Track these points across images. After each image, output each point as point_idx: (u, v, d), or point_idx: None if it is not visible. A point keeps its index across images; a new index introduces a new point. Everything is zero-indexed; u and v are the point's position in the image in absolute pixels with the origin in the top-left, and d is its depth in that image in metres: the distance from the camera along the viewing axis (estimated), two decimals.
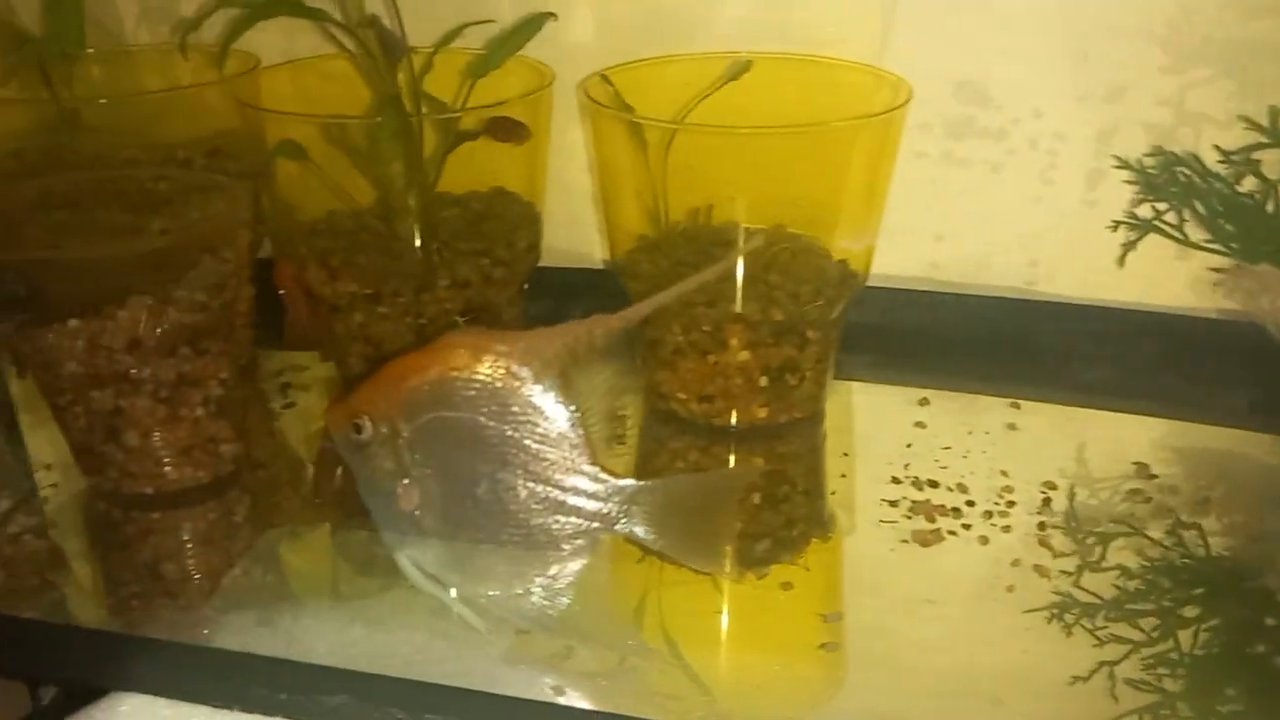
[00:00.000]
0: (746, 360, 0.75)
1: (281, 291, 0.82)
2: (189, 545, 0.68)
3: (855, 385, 0.85)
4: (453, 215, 0.81)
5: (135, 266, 0.64)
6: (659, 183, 0.77)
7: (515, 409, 0.58)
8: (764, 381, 0.76)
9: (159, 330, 0.64)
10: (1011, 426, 0.79)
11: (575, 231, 0.96)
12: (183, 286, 0.65)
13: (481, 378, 0.58)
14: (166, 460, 0.69)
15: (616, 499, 0.58)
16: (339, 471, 0.80)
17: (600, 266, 0.97)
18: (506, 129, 0.75)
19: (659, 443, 0.79)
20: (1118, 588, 0.62)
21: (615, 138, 0.76)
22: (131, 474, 0.69)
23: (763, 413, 0.78)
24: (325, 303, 0.79)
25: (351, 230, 0.79)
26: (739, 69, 0.75)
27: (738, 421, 0.77)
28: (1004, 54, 0.84)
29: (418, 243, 0.76)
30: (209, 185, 0.79)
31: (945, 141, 0.87)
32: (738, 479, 0.67)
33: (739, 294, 0.74)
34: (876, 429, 0.81)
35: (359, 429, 0.59)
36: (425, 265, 0.76)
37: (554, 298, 0.89)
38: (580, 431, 0.58)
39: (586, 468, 0.58)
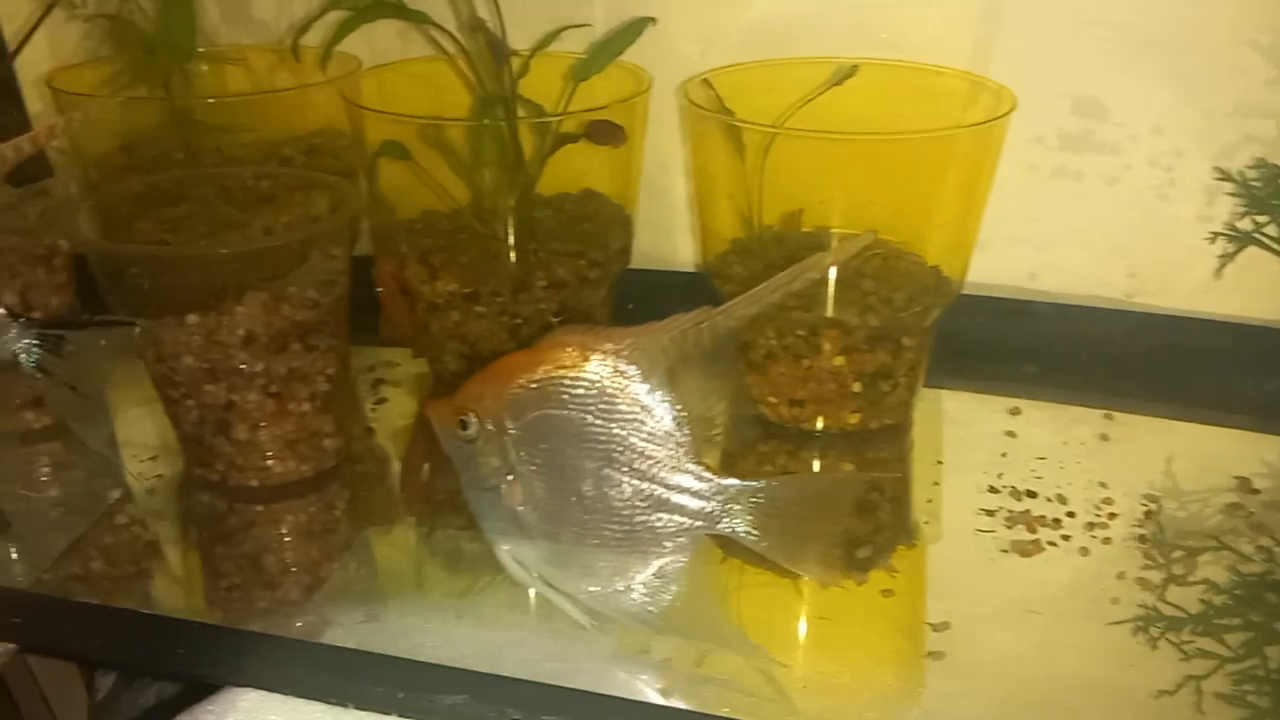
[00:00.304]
0: (840, 365, 0.75)
1: (379, 289, 0.83)
2: (294, 538, 0.70)
3: (943, 393, 0.85)
4: (547, 216, 0.82)
5: (252, 263, 0.65)
6: (754, 186, 0.77)
7: (622, 406, 0.58)
8: (857, 387, 0.76)
9: (274, 327, 0.66)
10: (1104, 437, 0.78)
11: (659, 234, 0.97)
12: (294, 283, 0.67)
13: (589, 375, 0.58)
14: (272, 454, 0.71)
15: (720, 498, 0.58)
16: (426, 468, 0.82)
17: (682, 269, 0.97)
18: (605, 132, 0.76)
19: (746, 445, 0.79)
20: (1217, 604, 0.62)
21: (713, 141, 0.77)
22: (239, 467, 0.71)
23: (854, 419, 0.78)
24: (422, 300, 0.80)
25: (450, 230, 0.81)
26: (844, 74, 0.75)
27: (827, 426, 0.78)
28: (1122, 69, 0.83)
29: (516, 244, 0.77)
30: (311, 183, 0.81)
31: (1059, 155, 0.86)
32: (848, 486, 0.65)
33: (831, 299, 0.75)
34: (967, 437, 0.80)
35: (465, 425, 0.60)
36: (523, 266, 0.77)
37: (640, 300, 0.89)
38: (685, 430, 0.58)
39: (691, 466, 0.58)
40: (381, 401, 0.86)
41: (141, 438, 0.80)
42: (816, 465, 0.77)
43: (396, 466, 0.79)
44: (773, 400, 0.78)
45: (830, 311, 0.74)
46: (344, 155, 0.88)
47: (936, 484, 0.74)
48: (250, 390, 0.68)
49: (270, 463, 0.71)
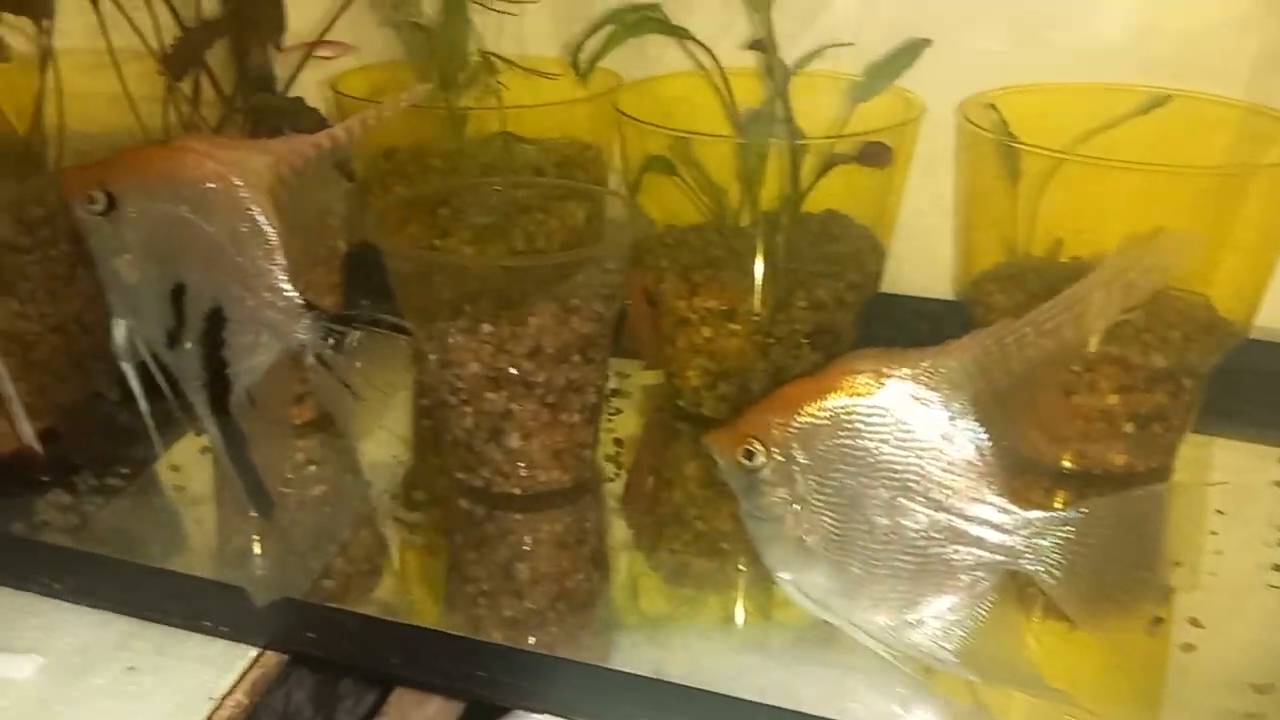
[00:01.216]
0: (1114, 404, 0.73)
1: (627, 301, 0.84)
2: (568, 552, 0.70)
3: (1206, 438, 0.81)
4: (800, 236, 0.82)
5: (550, 276, 0.66)
6: (1027, 214, 0.75)
7: (920, 434, 0.56)
8: (1129, 428, 0.73)
9: (561, 339, 0.66)
10: None
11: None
12: (577, 295, 0.67)
13: (885, 403, 0.56)
14: (540, 463, 0.71)
15: (1025, 532, 0.55)
16: (650, 481, 0.82)
17: (914, 293, 0.95)
18: (876, 154, 0.75)
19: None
20: None
21: (987, 164, 0.75)
22: (504, 474, 0.72)
23: (1120, 459, 0.75)
24: (673, 315, 0.80)
25: (705, 245, 0.80)
26: (1153, 103, 0.72)
27: (1087, 466, 0.75)
28: None
29: (781, 263, 0.76)
30: (570, 193, 0.82)
31: None
32: (1166, 499, 0.58)
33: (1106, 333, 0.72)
34: (1237, 487, 0.76)
35: (750, 455, 0.59)
36: (786, 286, 0.76)
37: (883, 323, 0.88)
38: (988, 459, 0.56)
39: (993, 498, 0.56)
40: (616, 413, 0.87)
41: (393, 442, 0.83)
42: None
43: (645, 480, 0.80)
44: (1031, 434, 0.76)
45: (1107, 347, 0.71)
46: (592, 167, 0.89)
47: (1215, 533, 0.71)
48: (529, 400, 0.68)
49: (536, 472, 0.72)
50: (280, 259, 0.54)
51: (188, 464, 0.81)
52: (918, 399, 0.56)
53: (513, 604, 0.66)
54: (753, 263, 0.78)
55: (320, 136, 0.53)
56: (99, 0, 0.70)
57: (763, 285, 0.77)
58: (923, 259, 0.92)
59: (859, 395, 0.57)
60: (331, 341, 0.57)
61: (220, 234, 0.54)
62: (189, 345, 0.58)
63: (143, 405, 0.65)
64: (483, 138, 0.79)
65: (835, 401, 0.58)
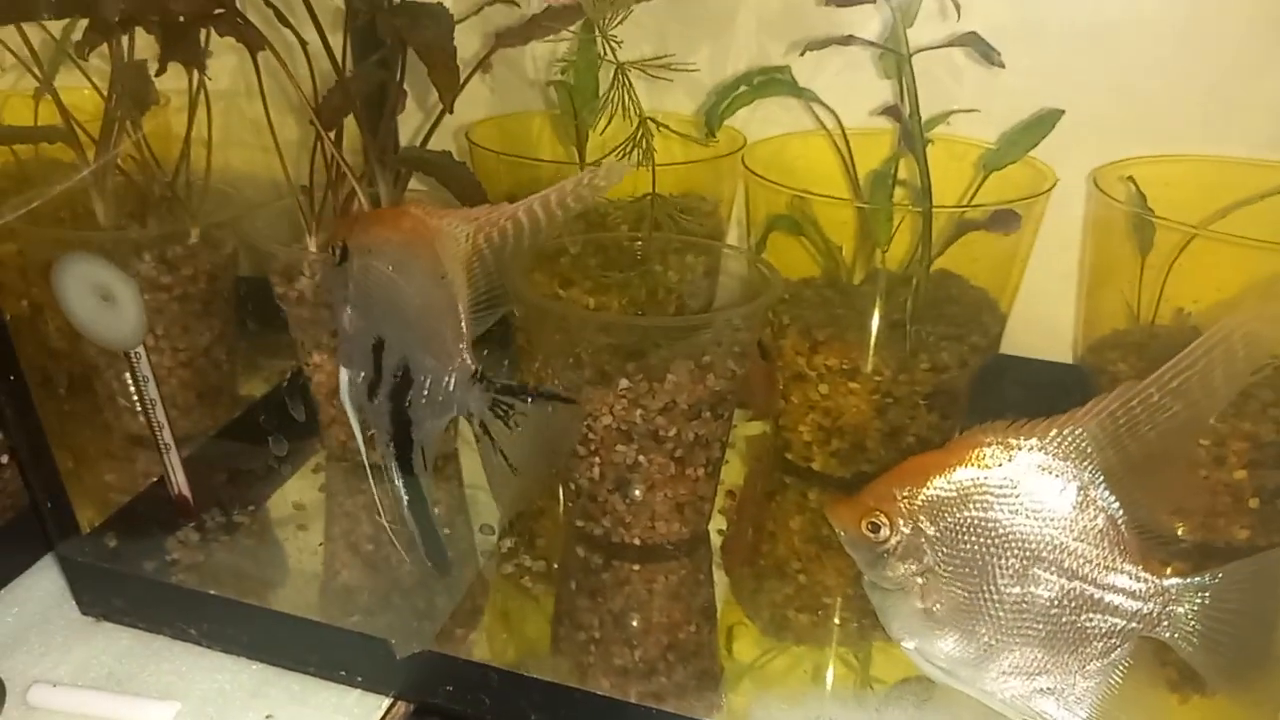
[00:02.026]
0: (1241, 479, 0.72)
1: None
2: (698, 605, 0.71)
3: None
4: (920, 297, 0.82)
5: (684, 334, 0.67)
6: (1152, 283, 0.75)
7: (1050, 504, 0.56)
8: (1254, 503, 0.73)
9: (695, 395, 0.67)
10: None
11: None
12: (712, 353, 0.68)
13: (1014, 474, 0.57)
14: (662, 514, 0.72)
15: (1159, 600, 0.55)
16: (750, 533, 0.83)
17: (1026, 354, 0.95)
18: (1005, 221, 0.75)
19: None
20: None
21: (1117, 234, 0.75)
22: (626, 524, 0.73)
23: (1244, 534, 0.74)
24: (789, 370, 0.81)
25: (829, 303, 0.81)
26: None
27: (1212, 539, 0.74)
28: None
29: (907, 325, 0.77)
30: (689, 246, 0.83)
31: None
32: None
33: (1231, 409, 0.71)
34: None
35: (875, 528, 0.59)
36: (910, 347, 0.77)
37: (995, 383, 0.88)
38: (1122, 527, 0.56)
39: (1127, 565, 0.56)
40: (724, 463, 0.87)
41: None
42: None
43: (759, 533, 0.80)
44: (1157, 505, 0.75)
45: (1236, 423, 0.71)
46: (709, 221, 0.90)
47: None
48: (658, 453, 0.69)
49: (658, 523, 0.73)
50: (462, 326, 0.56)
51: (313, 506, 0.82)
52: (1046, 469, 0.56)
53: (652, 662, 0.67)
54: (875, 322, 0.79)
55: (520, 213, 0.54)
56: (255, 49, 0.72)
57: (884, 346, 0.78)
58: (1035, 320, 0.92)
59: (988, 467, 0.57)
60: (499, 412, 0.58)
61: (415, 294, 0.56)
62: (380, 400, 0.60)
63: (361, 449, 0.66)
64: (632, 197, 0.81)
65: (964, 474, 0.58)
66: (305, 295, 0.77)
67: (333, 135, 0.76)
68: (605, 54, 0.67)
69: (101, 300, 0.63)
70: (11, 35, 0.81)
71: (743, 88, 0.81)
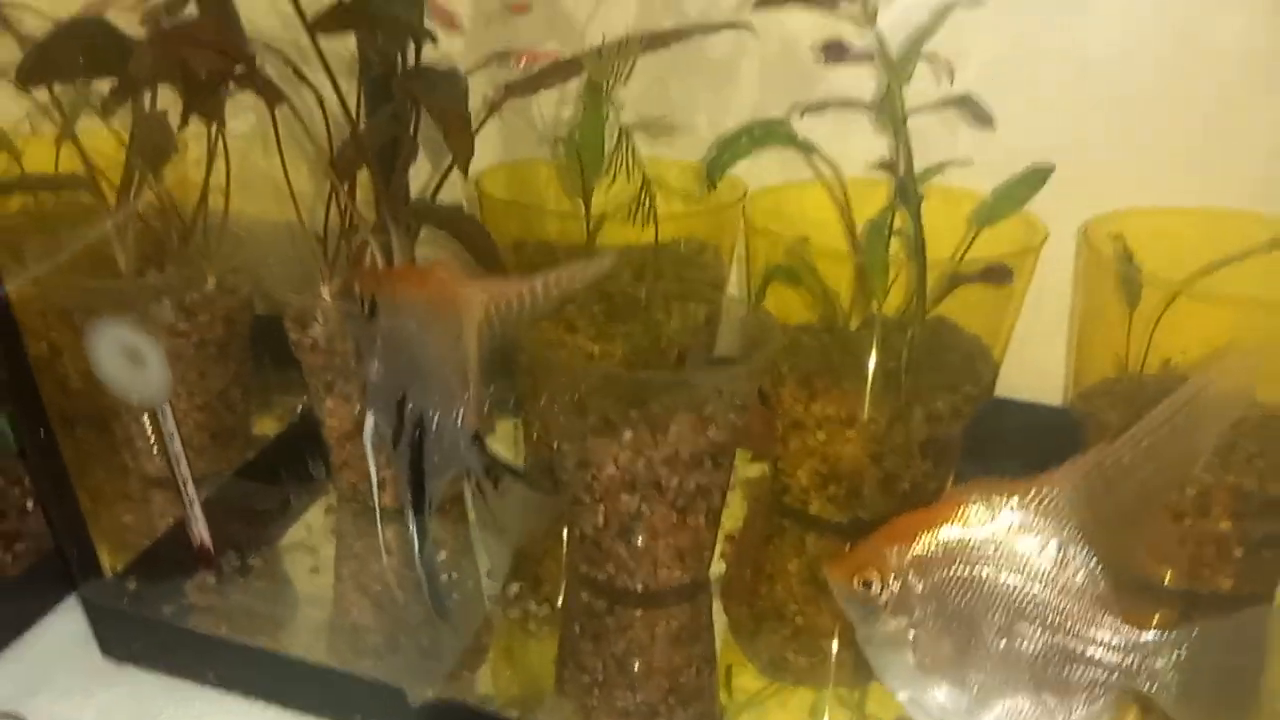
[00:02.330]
0: (1226, 530, 0.74)
1: None
2: (699, 649, 0.73)
3: None
4: (914, 345, 0.84)
5: (681, 386, 0.69)
6: (1141, 334, 0.77)
7: (1034, 561, 0.58)
8: (1239, 553, 0.75)
9: (698, 446, 0.69)
10: None
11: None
12: (714, 404, 0.71)
13: (999, 532, 0.59)
14: (664, 561, 0.74)
15: (1139, 652, 0.57)
16: (749, 575, 0.85)
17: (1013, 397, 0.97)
18: (997, 274, 0.78)
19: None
20: None
21: (1106, 286, 0.78)
22: (629, 571, 0.75)
23: (1227, 584, 0.76)
24: (788, 417, 0.83)
25: (826, 350, 0.84)
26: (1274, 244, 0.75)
27: (1197, 588, 0.76)
28: None
29: (903, 375, 0.79)
30: (691, 293, 0.85)
31: None
32: (1271, 620, 0.59)
33: (1217, 460, 0.74)
34: None
35: (868, 585, 0.61)
36: (907, 397, 0.79)
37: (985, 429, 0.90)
38: (1102, 582, 0.58)
39: (1108, 619, 0.58)
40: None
41: None
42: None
43: (757, 575, 0.83)
44: (1141, 556, 0.77)
45: (1221, 474, 0.73)
46: (710, 267, 0.92)
47: None
48: (660, 502, 0.71)
49: (660, 570, 0.75)
50: (468, 386, 0.59)
51: (326, 549, 0.85)
52: (1028, 528, 0.58)
53: (654, 705, 0.69)
54: (871, 372, 0.81)
55: (524, 288, 0.58)
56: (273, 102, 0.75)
57: (881, 395, 0.80)
58: (1028, 362, 0.94)
59: (973, 525, 0.60)
60: (491, 477, 0.61)
61: (434, 354, 0.59)
62: (401, 448, 0.63)
63: (374, 493, 0.71)
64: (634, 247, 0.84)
65: (950, 532, 0.60)
66: (319, 343, 0.79)
67: (346, 186, 0.79)
68: (609, 115, 0.70)
69: (129, 361, 0.66)
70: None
71: (743, 139, 0.84)
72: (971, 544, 0.59)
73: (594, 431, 0.70)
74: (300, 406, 0.96)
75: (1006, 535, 0.59)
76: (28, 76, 0.62)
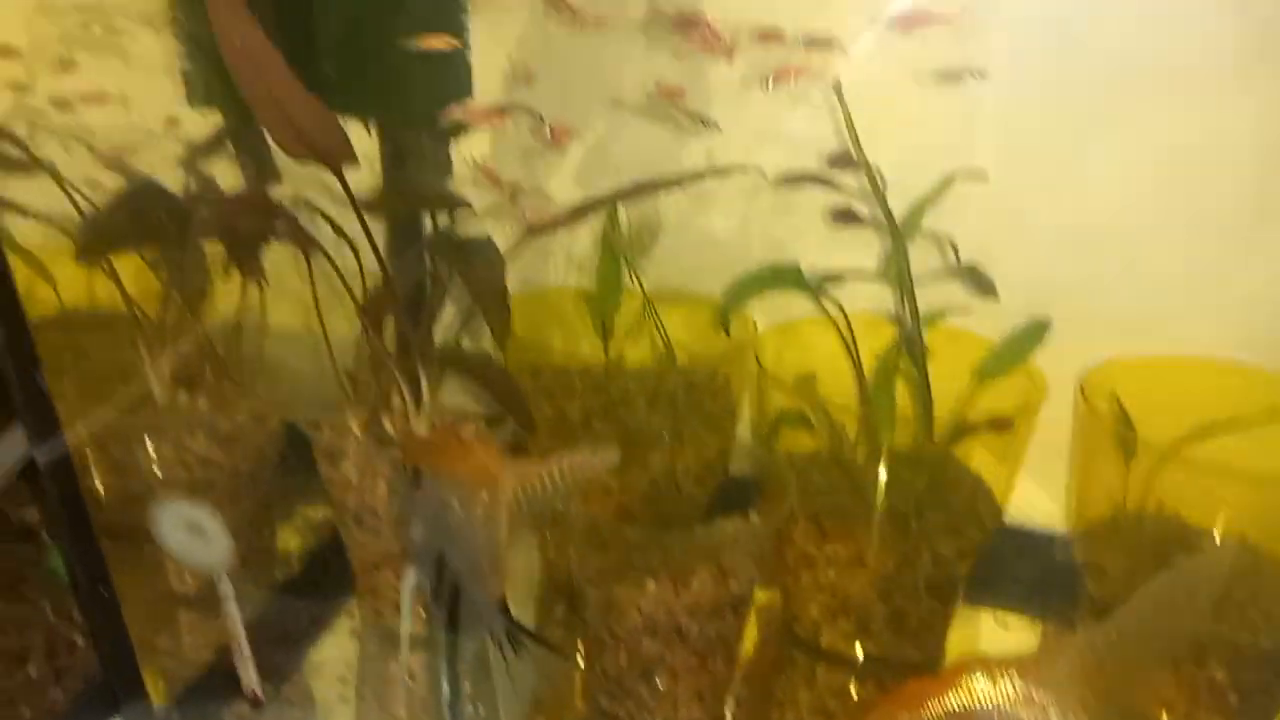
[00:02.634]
0: (1221, 679, 0.77)
1: None
2: None
3: None
4: (922, 483, 0.88)
5: (711, 543, 0.73)
6: (1142, 479, 0.81)
7: None
8: (1234, 699, 0.78)
9: (719, 597, 0.72)
10: None
11: None
12: (734, 557, 0.74)
13: (1001, 703, 0.63)
14: (684, 701, 0.77)
15: None
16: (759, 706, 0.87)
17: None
18: (998, 425, 0.82)
19: None
20: None
21: (1103, 435, 0.81)
22: (649, 709, 0.77)
23: None
24: (797, 550, 0.86)
25: (835, 487, 0.87)
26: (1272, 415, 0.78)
27: None
28: None
29: (915, 518, 0.82)
30: (706, 427, 0.89)
31: None
32: None
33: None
34: None
35: None
36: (913, 540, 0.82)
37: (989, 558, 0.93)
38: None
39: None
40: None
41: None
42: None
43: (768, 704, 0.85)
44: (1137, 707, 0.81)
45: (1215, 625, 0.76)
46: (721, 395, 0.96)
47: None
48: (681, 648, 0.74)
49: (679, 710, 0.77)
50: (499, 560, 0.62)
51: (352, 675, 0.87)
52: (1029, 700, 0.62)
53: None
54: (880, 512, 0.84)
55: (544, 474, 0.62)
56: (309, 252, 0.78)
57: (889, 536, 0.83)
58: (1031, 490, 0.97)
59: (977, 695, 0.63)
60: (510, 639, 0.66)
61: (470, 525, 0.63)
62: (438, 605, 0.67)
63: (404, 642, 0.75)
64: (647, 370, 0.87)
65: (955, 700, 0.63)
66: (350, 479, 0.82)
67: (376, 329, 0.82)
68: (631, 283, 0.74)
69: (191, 533, 0.69)
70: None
71: (754, 284, 0.88)
72: (975, 714, 0.63)
73: (617, 579, 0.73)
74: (324, 525, 0.99)
75: (1008, 706, 0.63)
76: (87, 253, 0.65)
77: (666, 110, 0.88)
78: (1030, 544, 0.98)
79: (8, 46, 0.90)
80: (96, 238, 0.66)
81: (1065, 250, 0.91)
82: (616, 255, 0.86)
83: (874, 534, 0.83)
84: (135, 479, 0.85)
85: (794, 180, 0.82)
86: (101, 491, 0.90)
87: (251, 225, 0.71)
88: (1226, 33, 0.81)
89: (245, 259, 0.74)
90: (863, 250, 0.90)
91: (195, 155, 0.83)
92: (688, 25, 0.72)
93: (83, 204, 0.84)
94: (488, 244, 0.71)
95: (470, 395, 0.86)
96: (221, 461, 0.86)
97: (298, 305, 0.91)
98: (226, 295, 0.90)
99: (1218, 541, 0.81)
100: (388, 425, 0.83)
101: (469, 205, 0.73)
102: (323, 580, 0.91)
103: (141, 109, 0.94)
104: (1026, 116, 0.87)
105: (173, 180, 0.87)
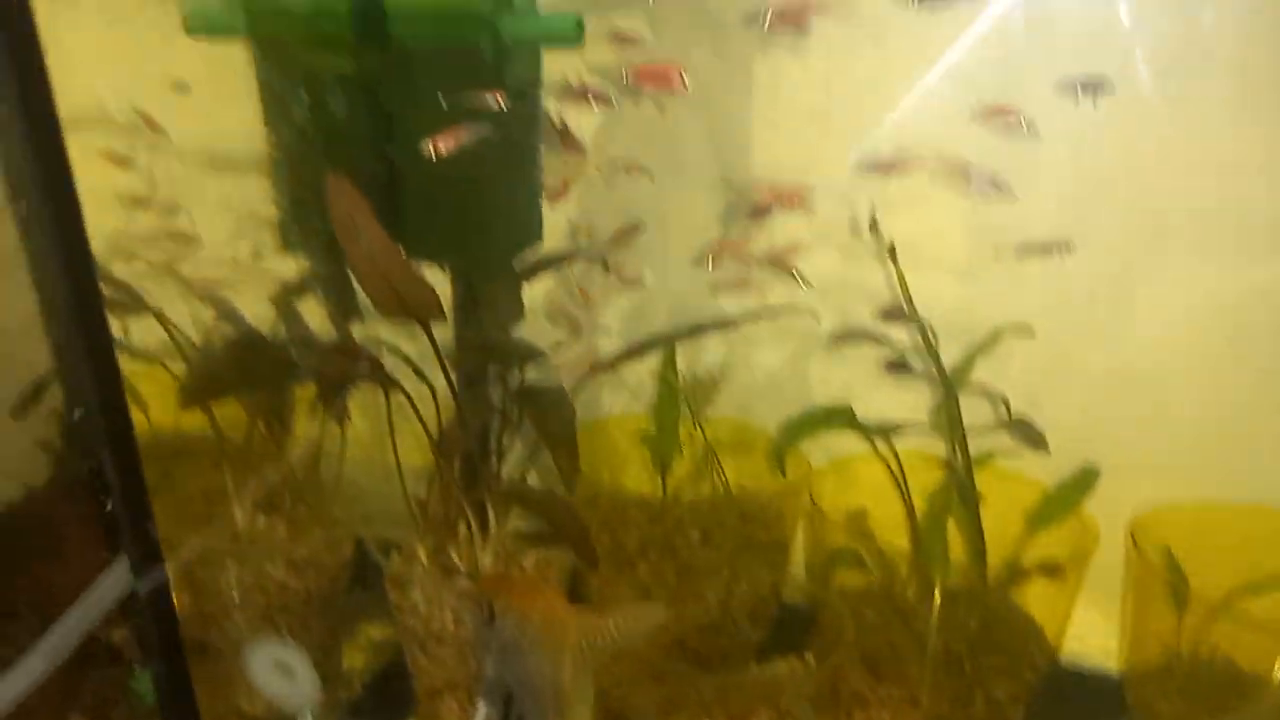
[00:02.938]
0: None
1: None
2: None
3: None
4: (975, 623, 0.89)
5: (764, 681, 0.75)
6: (1195, 625, 0.82)
7: None
8: None
9: None
10: None
11: None
12: (790, 697, 0.76)
13: None
14: None
15: None
16: None
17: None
18: (1051, 571, 0.83)
19: None
20: None
21: (1155, 582, 0.83)
22: None
23: None
24: (849, 689, 0.88)
25: (890, 628, 0.88)
26: None
27: None
28: None
29: (966, 659, 0.84)
30: (756, 556, 0.91)
31: None
32: None
33: None
34: None
35: None
36: (966, 681, 0.83)
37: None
38: None
39: None
40: None
41: None
42: None
43: None
44: None
45: None
46: (774, 526, 0.99)
47: None
48: None
49: None
50: (564, 702, 0.65)
51: None
52: None
53: None
54: (933, 652, 0.86)
55: (607, 627, 0.66)
56: (388, 390, 0.83)
57: (943, 677, 0.84)
58: (1084, 628, 0.98)
59: None
60: None
61: (535, 665, 0.66)
62: None
63: None
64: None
65: None
66: (418, 607, 0.85)
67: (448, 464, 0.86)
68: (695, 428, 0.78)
69: (282, 674, 0.73)
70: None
71: (807, 424, 0.91)
72: None
73: (673, 717, 0.76)
74: (382, 636, 1.01)
75: None
76: (192, 400, 0.70)
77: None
78: (1081, 684, 0.99)
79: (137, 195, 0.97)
80: (202, 387, 0.71)
81: (1113, 394, 0.95)
82: (675, 396, 0.90)
83: (927, 674, 0.84)
84: (213, 601, 0.89)
85: (847, 337, 0.86)
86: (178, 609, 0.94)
87: (341, 370, 0.76)
88: (1259, 195, 0.85)
89: (332, 400, 0.79)
90: (913, 391, 0.93)
91: (286, 293, 0.89)
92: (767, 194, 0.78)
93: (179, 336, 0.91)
94: (559, 392, 0.76)
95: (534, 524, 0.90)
96: (296, 587, 0.90)
97: (373, 432, 0.96)
98: (308, 425, 0.96)
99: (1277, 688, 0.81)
100: (454, 555, 0.87)
101: (544, 354, 0.78)
102: (385, 703, 0.94)
103: (235, 248, 1.01)
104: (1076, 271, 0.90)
105: (257, 310, 0.94)
